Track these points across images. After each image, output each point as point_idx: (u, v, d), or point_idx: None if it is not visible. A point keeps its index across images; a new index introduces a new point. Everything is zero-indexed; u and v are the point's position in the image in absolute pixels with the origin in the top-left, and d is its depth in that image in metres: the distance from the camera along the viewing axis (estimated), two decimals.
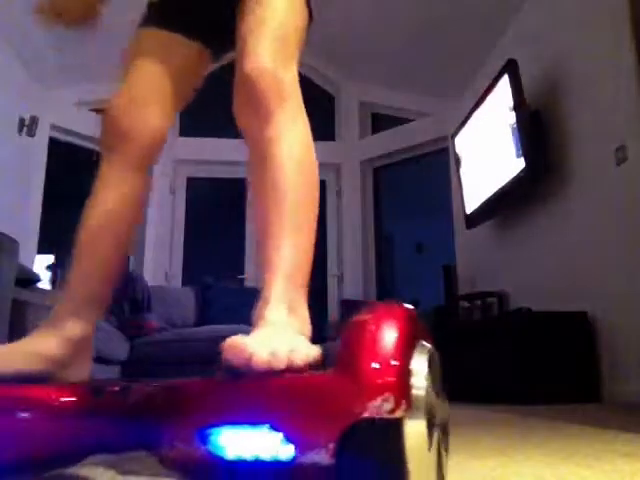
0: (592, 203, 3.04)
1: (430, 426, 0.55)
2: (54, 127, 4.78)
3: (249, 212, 5.58)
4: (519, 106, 3.38)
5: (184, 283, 5.10)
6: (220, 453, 0.56)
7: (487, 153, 3.93)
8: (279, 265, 0.84)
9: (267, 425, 0.54)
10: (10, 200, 4.15)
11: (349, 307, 4.86)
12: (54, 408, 0.72)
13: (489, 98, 3.78)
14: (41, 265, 4.44)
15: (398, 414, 0.52)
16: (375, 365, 0.53)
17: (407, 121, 5.46)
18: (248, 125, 0.96)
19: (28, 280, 2.98)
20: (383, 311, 0.60)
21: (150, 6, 1.21)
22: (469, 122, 4.17)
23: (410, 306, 0.64)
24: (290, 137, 0.93)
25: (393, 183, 5.71)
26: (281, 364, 0.60)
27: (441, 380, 0.67)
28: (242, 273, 5.39)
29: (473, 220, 4.28)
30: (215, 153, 5.42)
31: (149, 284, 4.22)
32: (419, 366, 0.57)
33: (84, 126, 4.96)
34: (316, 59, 5.28)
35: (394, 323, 0.57)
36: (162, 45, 1.14)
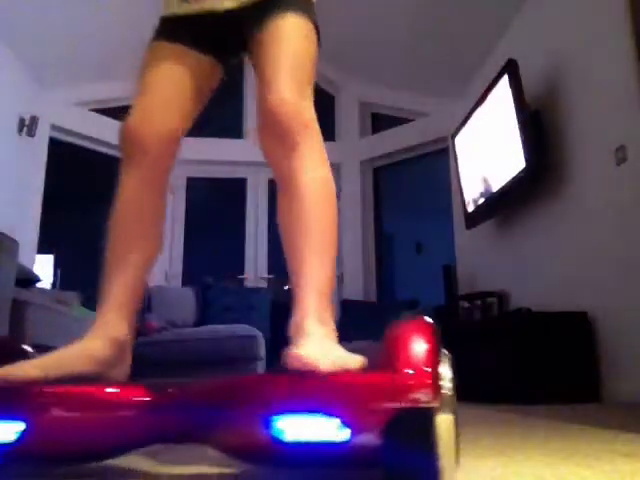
0: (592, 203, 3.04)
1: (455, 419, 0.71)
2: (54, 127, 4.77)
3: (249, 212, 5.59)
4: (519, 106, 3.38)
5: (184, 283, 5.10)
6: (290, 438, 0.70)
7: (487, 153, 3.93)
8: (312, 285, 0.99)
9: (331, 414, 0.69)
10: (10, 200, 4.15)
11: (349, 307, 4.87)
12: (124, 405, 0.82)
13: (489, 98, 3.78)
14: (41, 265, 4.44)
15: (432, 405, 0.67)
16: (415, 369, 0.69)
17: (407, 121, 5.46)
18: (273, 153, 1.06)
19: (28, 280, 2.98)
20: (417, 326, 0.77)
21: (164, 21, 1.26)
22: (469, 122, 4.17)
23: (431, 320, 0.79)
24: (313, 167, 1.05)
25: (393, 183, 5.71)
26: (342, 369, 0.74)
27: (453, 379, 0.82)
28: (242, 273, 5.39)
29: (473, 220, 4.28)
30: (215, 153, 5.42)
31: (149, 284, 4.22)
32: (445, 371, 0.72)
33: (84, 126, 4.96)
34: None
35: (426, 336, 0.74)
36: (177, 59, 1.19)
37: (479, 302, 4.12)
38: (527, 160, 3.32)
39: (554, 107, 3.43)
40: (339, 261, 5.36)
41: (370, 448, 0.69)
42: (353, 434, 0.69)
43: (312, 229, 1.04)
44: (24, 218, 4.34)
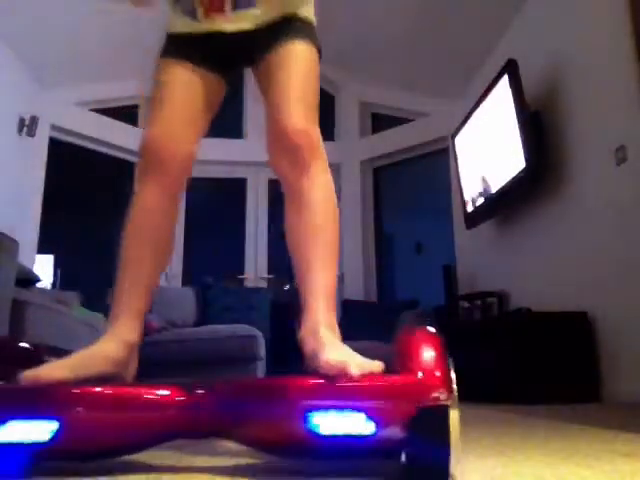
0: (592, 203, 3.04)
1: (460, 415, 0.81)
2: (54, 127, 4.77)
3: (249, 212, 5.59)
4: (519, 106, 3.38)
5: (184, 283, 5.10)
6: (321, 431, 0.81)
7: (487, 153, 3.93)
8: (321, 292, 1.12)
9: (362, 409, 0.81)
10: (10, 200, 4.15)
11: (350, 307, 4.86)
12: (157, 404, 0.89)
13: (489, 98, 3.78)
14: (41, 265, 4.44)
15: (447, 403, 0.79)
16: (433, 372, 0.82)
17: (407, 121, 5.46)
18: (285, 172, 1.18)
19: (28, 280, 2.98)
20: (428, 335, 0.89)
21: (171, 38, 1.33)
22: (469, 122, 4.17)
23: (435, 330, 0.91)
24: (321, 186, 1.18)
25: (393, 183, 5.71)
26: (366, 371, 0.86)
27: None
28: (242, 273, 5.39)
29: (473, 220, 4.28)
30: (215, 153, 5.42)
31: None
32: (453, 374, 0.84)
33: (84, 126, 4.96)
34: None
35: (438, 344, 0.86)
36: (189, 77, 1.27)
37: (479, 302, 4.12)
38: (527, 160, 3.32)
39: (554, 107, 3.43)
40: (339, 261, 5.36)
41: (394, 440, 0.80)
42: (380, 428, 0.80)
43: (320, 242, 1.16)
44: (24, 218, 4.34)
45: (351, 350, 0.96)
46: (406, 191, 5.66)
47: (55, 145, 4.80)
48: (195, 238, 5.35)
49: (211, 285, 4.46)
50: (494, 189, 3.80)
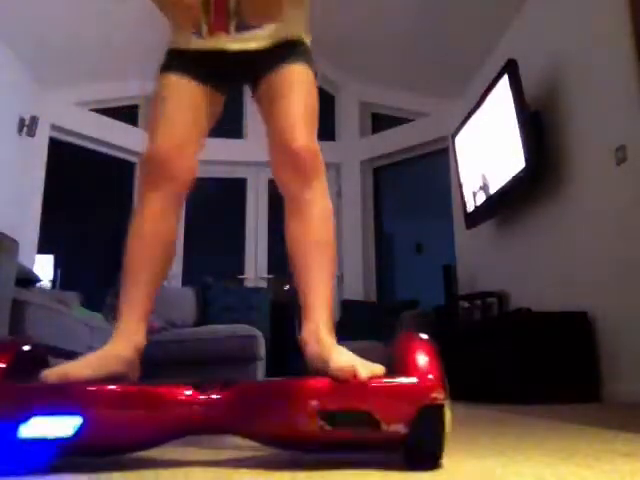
0: (592, 203, 3.04)
1: (461, 415, 0.97)
2: (54, 127, 4.77)
3: (249, 212, 5.59)
4: (519, 106, 3.38)
5: (184, 283, 5.10)
6: (329, 427, 0.91)
7: (487, 153, 3.93)
8: (320, 299, 1.21)
9: (367, 409, 0.91)
10: (10, 200, 4.15)
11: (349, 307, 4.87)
12: (174, 402, 0.97)
13: (489, 98, 3.78)
14: (41, 265, 4.44)
15: (444, 402, 0.92)
16: (432, 374, 0.94)
17: (407, 121, 5.46)
18: (289, 185, 1.27)
19: (28, 280, 2.98)
20: (423, 341, 1.01)
21: (174, 53, 1.38)
22: (469, 122, 4.17)
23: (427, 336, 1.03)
24: (321, 198, 1.28)
25: (393, 183, 5.71)
26: (372, 374, 0.96)
27: None
28: (242, 273, 5.39)
29: (473, 220, 4.28)
30: (215, 153, 5.41)
31: None
32: (445, 375, 0.95)
33: (84, 126, 4.96)
34: (316, 59, 5.28)
35: (433, 349, 0.99)
36: (189, 93, 1.33)
37: (479, 302, 4.12)
38: (527, 160, 3.32)
39: (554, 107, 3.43)
40: (339, 261, 5.37)
41: (398, 434, 0.91)
42: (387, 424, 0.91)
43: (319, 250, 1.25)
44: (24, 218, 4.34)
45: (354, 355, 1.05)
46: (406, 191, 5.66)
47: (55, 145, 4.80)
48: (195, 238, 5.35)
49: (211, 285, 4.46)
50: (494, 189, 3.80)
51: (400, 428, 0.90)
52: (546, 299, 3.36)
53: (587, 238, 3.07)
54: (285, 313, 4.49)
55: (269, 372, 3.89)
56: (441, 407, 0.91)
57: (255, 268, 5.41)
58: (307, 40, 1.44)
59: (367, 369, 0.96)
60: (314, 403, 0.92)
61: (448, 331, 3.96)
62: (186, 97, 1.33)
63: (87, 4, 4.05)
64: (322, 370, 1.03)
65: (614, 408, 2.44)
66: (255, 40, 1.33)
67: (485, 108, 3.87)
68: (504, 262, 4.06)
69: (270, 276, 5.35)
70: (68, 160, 4.99)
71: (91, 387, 0.97)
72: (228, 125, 5.51)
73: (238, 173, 5.61)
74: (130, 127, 5.27)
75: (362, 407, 0.91)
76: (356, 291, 5.25)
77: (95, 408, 0.93)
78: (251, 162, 5.30)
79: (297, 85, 1.33)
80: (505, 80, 3.50)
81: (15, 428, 0.90)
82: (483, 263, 4.44)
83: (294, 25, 1.39)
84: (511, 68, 3.44)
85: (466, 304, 4.24)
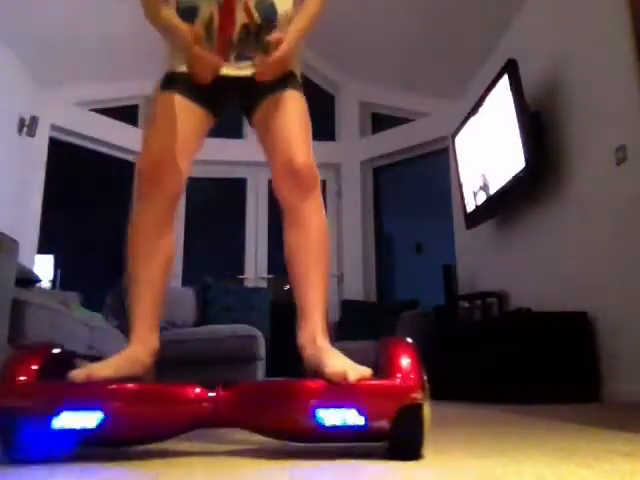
0: (592, 203, 3.04)
1: (429, 404, 1.05)
2: (54, 127, 4.78)
3: (249, 212, 5.59)
4: (519, 106, 3.38)
5: (184, 283, 5.10)
6: (323, 422, 1.04)
7: (487, 153, 3.93)
8: (316, 305, 1.33)
9: (356, 406, 1.04)
10: (10, 200, 4.15)
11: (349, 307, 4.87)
12: (186, 399, 1.09)
13: (489, 98, 3.78)
14: (41, 265, 4.44)
15: (422, 401, 1.03)
16: (412, 376, 1.05)
17: (407, 121, 5.46)
18: (288, 197, 1.40)
19: (28, 280, 2.98)
20: (407, 346, 1.11)
21: (174, 75, 1.47)
22: (469, 122, 4.17)
23: (411, 340, 1.14)
24: (319, 212, 1.41)
25: (393, 183, 5.71)
26: (360, 377, 1.07)
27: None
28: (242, 273, 5.39)
29: (473, 220, 4.28)
30: (215, 153, 5.42)
31: None
32: (426, 377, 1.06)
33: (84, 126, 4.96)
34: (316, 59, 5.29)
35: (415, 354, 1.09)
36: (184, 111, 1.44)
37: (479, 302, 4.12)
38: (527, 160, 3.32)
39: (554, 107, 3.43)
40: (339, 261, 5.37)
41: (381, 429, 1.03)
42: (370, 420, 1.03)
43: (315, 260, 1.38)
44: (24, 218, 4.34)
45: (346, 358, 1.18)
46: (406, 191, 5.66)
47: (55, 145, 4.80)
48: (195, 238, 5.36)
49: (211, 285, 4.46)
50: (494, 189, 3.80)
51: (384, 424, 1.02)
52: (546, 299, 3.36)
53: (587, 238, 3.07)
54: (285, 313, 4.49)
55: (269, 372, 3.89)
56: (420, 406, 1.02)
57: (255, 268, 5.41)
58: (298, 72, 1.56)
59: (356, 372, 1.07)
60: (310, 401, 1.04)
61: (448, 331, 3.96)
62: (180, 116, 1.42)
63: (87, 4, 4.05)
64: (318, 372, 1.15)
65: (614, 408, 2.44)
66: (252, 68, 1.45)
67: (485, 108, 3.88)
68: (504, 262, 4.06)
69: (270, 276, 5.35)
70: (68, 160, 5.00)
71: (111, 385, 1.09)
72: (228, 125, 5.51)
73: (238, 173, 5.61)
74: (130, 127, 5.27)
75: (351, 405, 1.04)
76: (356, 291, 5.25)
77: (115, 404, 1.06)
78: (251, 162, 5.30)
79: (292, 109, 1.45)
80: (505, 80, 3.50)
81: (49, 421, 1.03)
82: (483, 263, 4.44)
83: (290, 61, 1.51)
84: (511, 68, 3.44)
85: (466, 304, 4.24)
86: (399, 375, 1.04)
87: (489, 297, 4.05)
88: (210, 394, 1.09)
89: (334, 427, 1.04)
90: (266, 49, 1.41)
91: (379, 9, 4.39)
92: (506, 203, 3.82)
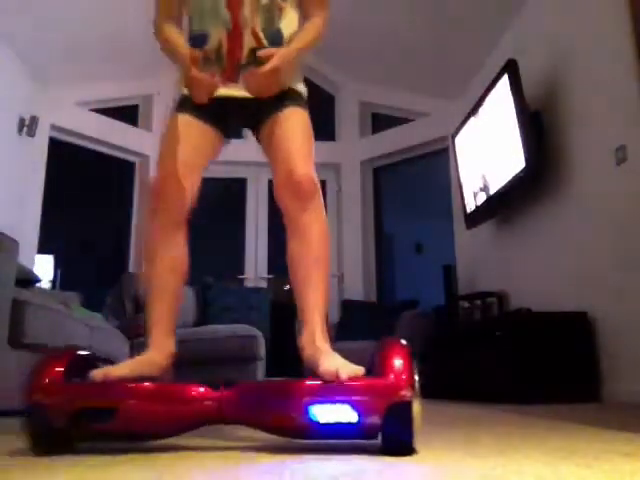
0: (592, 203, 3.04)
1: (420, 402, 1.10)
2: (54, 127, 4.78)
3: (249, 212, 5.59)
4: (519, 106, 3.38)
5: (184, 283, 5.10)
6: (317, 419, 1.09)
7: (487, 153, 3.93)
8: (317, 309, 1.40)
9: (348, 403, 1.09)
10: (10, 200, 4.15)
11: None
12: (190, 398, 1.17)
13: (489, 98, 3.78)
14: (41, 265, 4.44)
15: (412, 399, 1.07)
16: (402, 375, 1.09)
17: (407, 121, 5.46)
18: (289, 207, 1.46)
19: (28, 280, 2.98)
20: (400, 347, 1.16)
21: (184, 97, 1.56)
22: (469, 122, 4.17)
23: (405, 342, 1.19)
24: (320, 220, 1.47)
25: (393, 183, 5.71)
26: (352, 375, 1.13)
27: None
28: (242, 273, 5.39)
29: (473, 220, 4.28)
30: None
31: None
32: (416, 376, 1.11)
33: (84, 126, 4.96)
34: (316, 59, 5.28)
35: (407, 354, 1.13)
36: (196, 131, 1.54)
37: (479, 302, 4.12)
38: (527, 160, 3.32)
39: (554, 107, 3.43)
40: (339, 261, 5.37)
41: (375, 424, 1.07)
42: (362, 417, 1.08)
43: (316, 267, 1.44)
44: (24, 218, 4.34)
45: (341, 358, 1.24)
46: (406, 191, 5.66)
47: (55, 145, 4.80)
48: (195, 238, 5.34)
49: (211, 285, 4.46)
50: (494, 189, 3.80)
51: (376, 420, 1.07)
52: (546, 299, 3.36)
53: (587, 238, 3.07)
54: (285, 313, 4.49)
55: (269, 372, 3.89)
56: (409, 403, 1.07)
57: (255, 268, 5.41)
58: (303, 89, 1.63)
59: (348, 370, 1.14)
60: (303, 399, 1.11)
61: (448, 331, 3.96)
62: (192, 137, 1.52)
63: (87, 4, 4.05)
64: (315, 371, 1.23)
65: (614, 408, 2.44)
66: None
67: (485, 108, 3.88)
68: (504, 262, 4.06)
69: (270, 276, 5.35)
70: (68, 160, 5.00)
71: (125, 384, 1.19)
72: None
73: (238, 173, 5.61)
74: (130, 127, 5.27)
75: (343, 402, 1.10)
76: (356, 291, 5.25)
77: (129, 401, 1.15)
78: (251, 162, 5.29)
79: (294, 122, 1.53)
80: (505, 80, 3.50)
81: (72, 415, 1.12)
82: (483, 263, 4.44)
83: (291, 78, 1.59)
84: (511, 68, 3.44)
85: (466, 304, 4.24)
86: (391, 374, 1.09)
87: (489, 297, 4.05)
88: (214, 393, 1.16)
89: (328, 424, 1.09)
90: (259, 64, 1.46)
91: (379, 9, 4.39)
92: (506, 203, 3.82)
